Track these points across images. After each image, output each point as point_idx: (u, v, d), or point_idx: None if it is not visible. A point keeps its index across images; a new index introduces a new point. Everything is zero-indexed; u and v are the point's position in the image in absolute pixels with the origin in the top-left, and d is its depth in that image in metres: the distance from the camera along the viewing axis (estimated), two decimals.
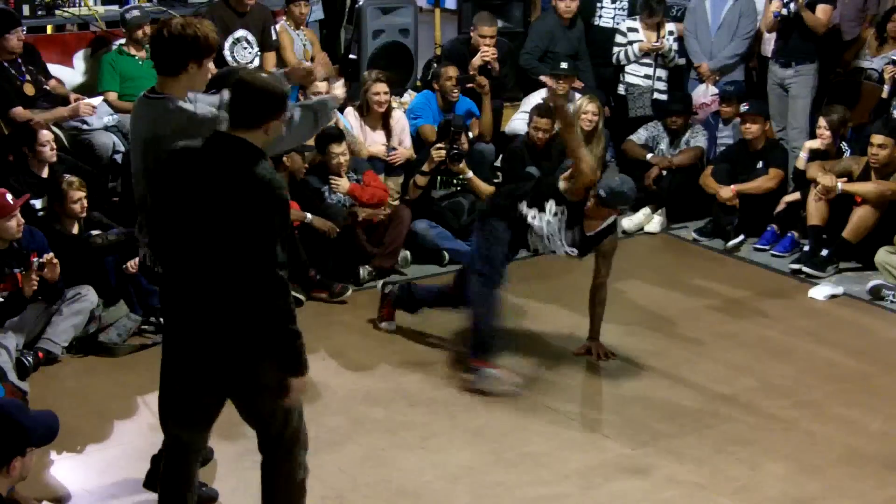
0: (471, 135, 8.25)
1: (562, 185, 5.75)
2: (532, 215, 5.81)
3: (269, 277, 3.66)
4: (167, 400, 4.06)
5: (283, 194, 3.70)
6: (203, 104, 4.24)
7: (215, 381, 3.89)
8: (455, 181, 7.89)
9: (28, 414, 3.97)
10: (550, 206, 5.77)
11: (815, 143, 7.99)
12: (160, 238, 3.91)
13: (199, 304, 3.77)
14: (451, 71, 8.25)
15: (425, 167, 7.69)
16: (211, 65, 7.15)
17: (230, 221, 3.64)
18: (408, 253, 7.47)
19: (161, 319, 6.28)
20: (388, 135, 7.98)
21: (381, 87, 7.82)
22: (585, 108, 8.35)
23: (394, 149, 7.99)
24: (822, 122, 7.97)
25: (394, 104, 8.36)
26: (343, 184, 7.31)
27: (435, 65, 8.67)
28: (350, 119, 7.84)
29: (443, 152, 7.64)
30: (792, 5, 8.34)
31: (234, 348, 3.78)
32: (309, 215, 7.00)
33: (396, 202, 7.76)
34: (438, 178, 7.86)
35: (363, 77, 8.03)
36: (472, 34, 8.82)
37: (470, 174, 7.81)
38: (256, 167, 3.64)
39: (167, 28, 4.23)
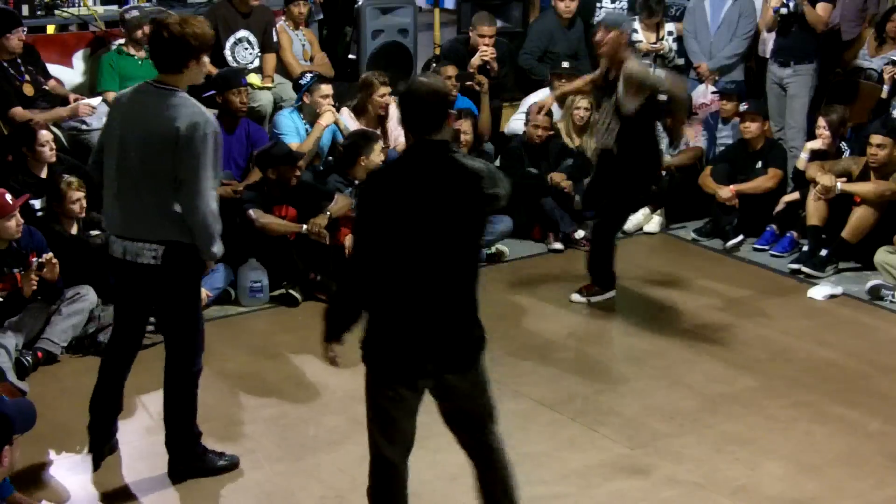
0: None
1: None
2: None
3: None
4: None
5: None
6: None
7: (439, 376, 3.95)
8: None
9: (6, 402, 3.97)
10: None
11: (816, 144, 7.99)
12: (371, 259, 3.84)
13: (433, 307, 3.80)
14: (450, 70, 8.25)
15: None
16: (210, 65, 7.15)
17: (463, 217, 3.76)
18: None
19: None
20: (385, 136, 7.96)
21: (387, 90, 7.79)
22: (577, 103, 8.38)
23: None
24: (821, 121, 7.97)
25: (393, 104, 8.34)
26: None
27: (434, 64, 8.66)
28: (346, 119, 7.82)
29: None
30: (791, 3, 8.34)
31: (465, 344, 3.89)
32: (304, 227, 6.96)
33: None
34: None
35: (367, 77, 7.96)
36: (471, 34, 8.82)
37: None
38: (465, 161, 3.80)
39: (166, 29, 4.39)
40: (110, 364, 4.97)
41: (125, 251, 4.56)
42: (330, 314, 3.94)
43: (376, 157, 7.28)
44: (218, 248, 4.57)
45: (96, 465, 4.93)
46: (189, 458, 4.86)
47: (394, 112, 8.14)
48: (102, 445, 4.97)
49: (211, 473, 4.87)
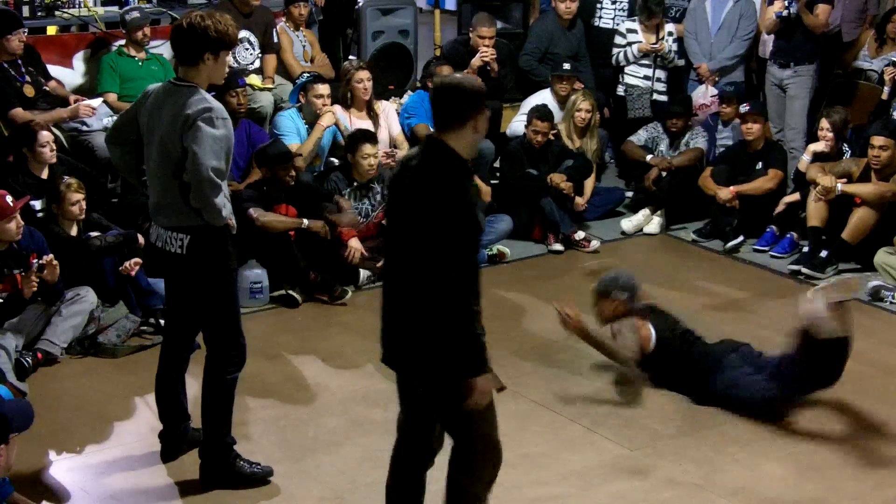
0: None
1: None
2: None
3: (444, 281, 3.69)
4: None
5: (461, 204, 3.71)
6: None
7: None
8: None
9: (4, 402, 3.97)
10: None
11: (819, 146, 7.96)
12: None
13: (395, 310, 3.91)
14: (446, 70, 8.25)
15: None
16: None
17: (417, 227, 3.74)
18: None
19: (161, 320, 6.31)
20: (376, 122, 7.93)
21: (364, 74, 7.79)
22: (579, 105, 8.39)
23: (393, 147, 7.95)
24: (824, 123, 7.95)
25: (394, 105, 8.34)
26: (355, 246, 7.18)
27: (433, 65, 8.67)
28: (343, 118, 7.80)
29: None
30: (793, 6, 8.35)
31: (402, 349, 3.91)
32: (305, 221, 6.96)
33: None
34: None
35: (344, 67, 7.98)
36: (471, 35, 8.82)
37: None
38: (443, 175, 3.73)
39: (186, 19, 4.48)
40: (161, 367, 4.99)
41: (157, 238, 4.65)
42: None
43: (363, 156, 7.22)
44: (226, 212, 4.52)
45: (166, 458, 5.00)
46: (220, 466, 4.80)
47: (382, 101, 8.12)
48: (175, 448, 5.01)
49: (242, 482, 4.81)
